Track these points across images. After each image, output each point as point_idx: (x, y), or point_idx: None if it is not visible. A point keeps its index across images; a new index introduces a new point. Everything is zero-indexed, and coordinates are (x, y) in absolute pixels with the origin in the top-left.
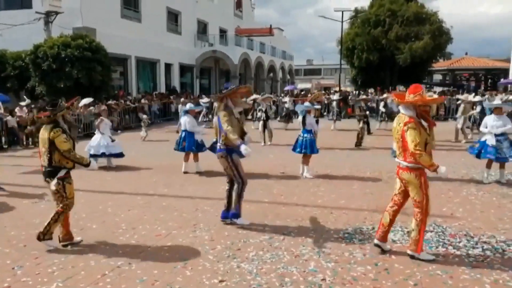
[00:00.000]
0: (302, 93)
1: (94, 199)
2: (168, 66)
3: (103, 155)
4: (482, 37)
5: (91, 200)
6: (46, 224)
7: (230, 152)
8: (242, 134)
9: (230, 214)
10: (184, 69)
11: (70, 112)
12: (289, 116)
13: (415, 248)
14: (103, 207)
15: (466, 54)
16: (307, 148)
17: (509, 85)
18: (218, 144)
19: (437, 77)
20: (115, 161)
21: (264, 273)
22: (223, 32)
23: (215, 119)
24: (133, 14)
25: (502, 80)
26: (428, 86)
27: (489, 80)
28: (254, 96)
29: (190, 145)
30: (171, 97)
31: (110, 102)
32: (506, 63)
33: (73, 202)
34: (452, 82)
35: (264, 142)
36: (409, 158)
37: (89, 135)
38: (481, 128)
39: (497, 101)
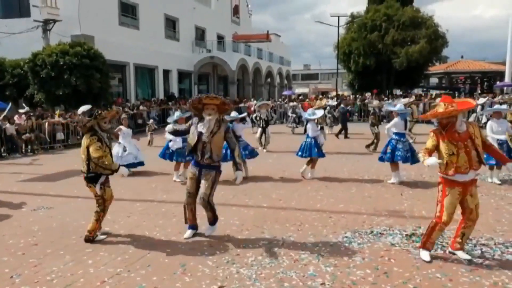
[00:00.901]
0: (300, 97)
1: (93, 206)
2: (166, 73)
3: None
4: (478, 40)
5: (90, 207)
6: (91, 227)
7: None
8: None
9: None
10: (183, 75)
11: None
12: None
13: (419, 244)
14: None
15: (462, 57)
16: (306, 151)
17: (505, 88)
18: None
19: (434, 80)
20: None
21: (263, 278)
22: (220, 38)
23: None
24: (131, 21)
25: (498, 83)
26: (424, 89)
27: (485, 83)
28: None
29: (178, 155)
30: (170, 103)
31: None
32: (502, 66)
33: (111, 203)
34: (448, 85)
35: (262, 146)
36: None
37: None
38: (488, 133)
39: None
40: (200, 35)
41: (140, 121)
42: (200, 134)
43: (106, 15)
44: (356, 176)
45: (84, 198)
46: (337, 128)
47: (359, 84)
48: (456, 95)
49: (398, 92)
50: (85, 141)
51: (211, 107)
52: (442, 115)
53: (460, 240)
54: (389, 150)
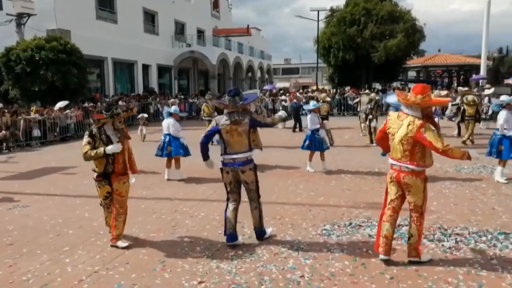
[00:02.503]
0: (281, 91)
1: (71, 203)
2: (145, 67)
3: None
4: (455, 33)
5: (68, 204)
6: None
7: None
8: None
9: (261, 232)
10: (162, 70)
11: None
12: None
13: (416, 254)
14: (80, 211)
15: (439, 51)
16: (302, 144)
17: (480, 81)
18: (244, 155)
19: (412, 73)
20: None
21: (243, 272)
22: (200, 33)
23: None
24: (109, 15)
25: (474, 76)
26: (403, 83)
27: (461, 76)
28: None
29: (177, 149)
30: (150, 98)
31: (86, 105)
32: (478, 59)
33: (107, 202)
34: (426, 78)
35: None
36: (416, 162)
37: (65, 139)
38: (502, 123)
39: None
40: (180, 29)
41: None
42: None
43: (83, 8)
44: (335, 170)
45: (61, 196)
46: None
47: (339, 78)
48: (433, 88)
49: (377, 85)
50: None
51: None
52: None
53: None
54: None
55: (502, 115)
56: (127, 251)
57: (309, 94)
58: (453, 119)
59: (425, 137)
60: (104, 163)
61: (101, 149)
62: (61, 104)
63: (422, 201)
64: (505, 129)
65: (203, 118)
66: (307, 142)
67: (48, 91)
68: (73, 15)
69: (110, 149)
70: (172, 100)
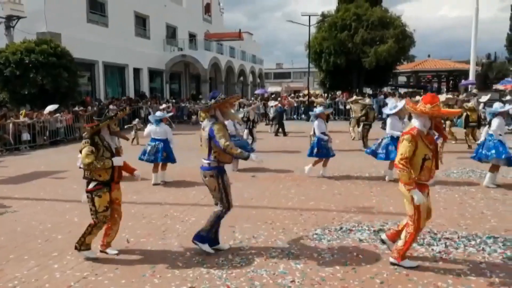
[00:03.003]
0: (273, 96)
1: (60, 208)
2: (137, 71)
3: None
4: (444, 39)
5: (57, 209)
6: (80, 235)
7: (222, 172)
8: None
9: (197, 236)
10: (154, 74)
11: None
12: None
13: (396, 256)
14: (70, 216)
15: (429, 56)
16: (310, 152)
17: (469, 86)
18: (207, 161)
19: (402, 79)
20: None
21: (233, 277)
22: (192, 37)
23: (203, 132)
24: (100, 19)
25: (463, 81)
26: (393, 88)
27: (451, 81)
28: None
29: (172, 155)
30: (141, 102)
31: (76, 108)
32: (466, 65)
33: (107, 215)
34: (416, 83)
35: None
36: None
37: (55, 143)
38: (496, 130)
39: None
40: (172, 33)
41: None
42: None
43: (74, 11)
44: (326, 174)
45: (50, 201)
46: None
47: (330, 83)
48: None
49: (368, 90)
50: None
51: (230, 106)
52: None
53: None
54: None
55: (495, 122)
56: (117, 256)
57: (301, 98)
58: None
59: (400, 146)
60: (110, 172)
61: (109, 162)
62: (51, 107)
63: (412, 211)
64: (500, 135)
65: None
66: (315, 150)
67: (38, 95)
68: (64, 18)
69: (116, 161)
70: (164, 106)
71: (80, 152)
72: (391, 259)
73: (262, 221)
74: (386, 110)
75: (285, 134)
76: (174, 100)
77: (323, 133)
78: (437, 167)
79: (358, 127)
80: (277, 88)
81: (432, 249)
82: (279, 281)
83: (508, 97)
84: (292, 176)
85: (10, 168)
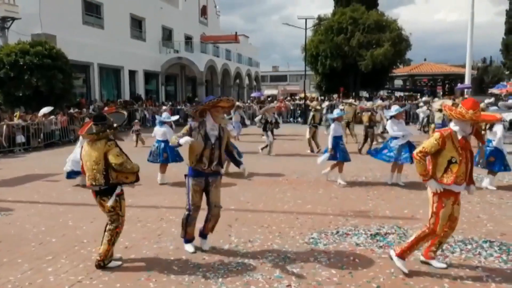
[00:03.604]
0: (269, 99)
1: (54, 211)
2: (132, 73)
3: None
4: (440, 43)
5: (51, 212)
6: (104, 250)
7: (191, 174)
8: (228, 153)
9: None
10: (149, 76)
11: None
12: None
13: (398, 252)
14: (64, 219)
15: (425, 60)
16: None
17: (465, 90)
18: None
19: (398, 82)
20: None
21: (229, 281)
22: (188, 39)
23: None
24: (95, 21)
25: (459, 85)
26: (389, 91)
27: (446, 85)
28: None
29: (174, 156)
30: (136, 104)
31: (72, 110)
32: (462, 69)
33: (125, 220)
34: (412, 87)
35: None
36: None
37: (50, 145)
38: (500, 136)
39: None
40: (167, 35)
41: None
42: (207, 140)
43: (69, 13)
44: (323, 178)
45: (45, 204)
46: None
47: (326, 86)
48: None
49: (364, 93)
50: (98, 148)
51: (223, 110)
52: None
53: (435, 249)
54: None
55: (500, 128)
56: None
57: (297, 101)
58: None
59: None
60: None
61: (137, 164)
62: (45, 110)
63: (430, 214)
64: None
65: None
66: (331, 153)
67: (33, 97)
68: (59, 20)
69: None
70: (164, 107)
71: (105, 154)
72: (390, 251)
73: (258, 224)
74: (389, 112)
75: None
76: (170, 103)
77: (339, 137)
78: (468, 175)
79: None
80: (274, 91)
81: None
82: (275, 286)
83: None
84: (288, 180)
85: (3, 170)
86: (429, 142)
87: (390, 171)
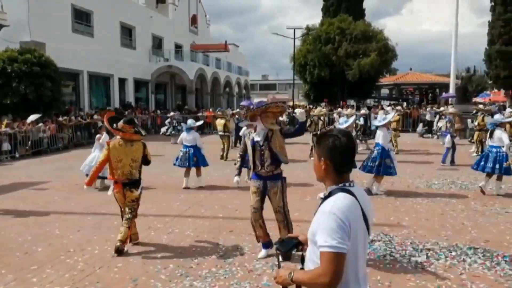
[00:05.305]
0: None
1: (40, 220)
2: (122, 81)
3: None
4: (425, 53)
5: (37, 221)
6: (124, 234)
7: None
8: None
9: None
10: (139, 84)
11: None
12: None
13: None
14: (50, 228)
15: (411, 69)
16: None
17: (450, 99)
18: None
19: (385, 91)
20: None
21: None
22: (178, 48)
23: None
24: (85, 29)
25: (443, 94)
26: (376, 100)
27: (430, 94)
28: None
29: (203, 159)
30: (126, 112)
31: (60, 118)
32: (447, 78)
33: None
34: (398, 96)
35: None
36: None
37: (38, 153)
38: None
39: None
40: (158, 44)
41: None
42: (255, 143)
43: (58, 21)
44: (311, 185)
45: (31, 212)
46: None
47: (314, 95)
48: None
49: (352, 102)
50: (137, 148)
51: (272, 115)
52: None
53: None
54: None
55: (505, 135)
56: (98, 270)
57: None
58: (424, 135)
59: None
60: None
61: None
62: (33, 117)
63: None
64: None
65: (221, 133)
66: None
67: (21, 104)
68: (48, 27)
69: None
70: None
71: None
72: None
73: (246, 232)
74: (375, 122)
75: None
76: (159, 111)
77: None
78: None
79: None
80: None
81: (415, 260)
82: None
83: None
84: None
85: None
86: None
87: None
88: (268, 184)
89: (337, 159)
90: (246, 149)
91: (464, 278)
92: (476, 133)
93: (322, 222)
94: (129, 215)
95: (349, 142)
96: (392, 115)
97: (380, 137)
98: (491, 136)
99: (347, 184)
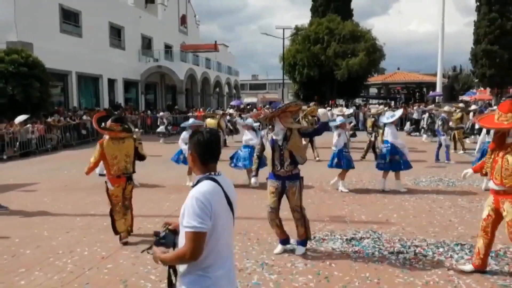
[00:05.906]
0: (248, 107)
1: (29, 222)
2: (111, 82)
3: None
4: (413, 53)
5: (25, 223)
6: (129, 220)
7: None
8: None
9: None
10: (129, 84)
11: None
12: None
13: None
14: (39, 230)
15: (399, 69)
16: (330, 162)
17: (437, 97)
18: (294, 171)
19: (373, 90)
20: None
21: None
22: (168, 48)
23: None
24: (73, 29)
25: (431, 92)
26: (364, 99)
27: (417, 93)
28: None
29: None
30: (115, 113)
31: (49, 119)
32: (434, 77)
33: None
34: (386, 95)
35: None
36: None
37: (26, 154)
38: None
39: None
40: (147, 44)
41: (84, 132)
42: (274, 143)
43: (46, 21)
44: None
45: (18, 214)
46: None
47: (304, 94)
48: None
49: (341, 101)
50: (129, 144)
51: (291, 114)
52: None
53: None
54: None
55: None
56: (88, 271)
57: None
58: (412, 134)
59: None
60: None
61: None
62: (20, 118)
63: None
64: None
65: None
66: (335, 160)
67: (8, 105)
68: (36, 27)
69: None
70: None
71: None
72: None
73: (236, 231)
74: (383, 119)
75: (225, 144)
76: (149, 112)
77: (345, 145)
78: None
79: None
80: (253, 99)
81: (403, 257)
82: None
83: (473, 107)
84: (264, 186)
85: None
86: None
87: (396, 179)
88: (287, 184)
89: (201, 152)
90: (263, 149)
91: (451, 274)
92: (455, 132)
93: (187, 206)
94: (128, 203)
95: (211, 137)
96: (400, 112)
97: (388, 134)
98: (488, 133)
99: (212, 173)
